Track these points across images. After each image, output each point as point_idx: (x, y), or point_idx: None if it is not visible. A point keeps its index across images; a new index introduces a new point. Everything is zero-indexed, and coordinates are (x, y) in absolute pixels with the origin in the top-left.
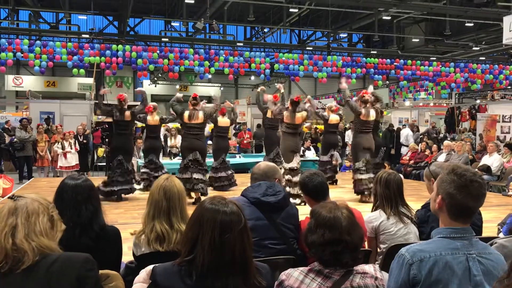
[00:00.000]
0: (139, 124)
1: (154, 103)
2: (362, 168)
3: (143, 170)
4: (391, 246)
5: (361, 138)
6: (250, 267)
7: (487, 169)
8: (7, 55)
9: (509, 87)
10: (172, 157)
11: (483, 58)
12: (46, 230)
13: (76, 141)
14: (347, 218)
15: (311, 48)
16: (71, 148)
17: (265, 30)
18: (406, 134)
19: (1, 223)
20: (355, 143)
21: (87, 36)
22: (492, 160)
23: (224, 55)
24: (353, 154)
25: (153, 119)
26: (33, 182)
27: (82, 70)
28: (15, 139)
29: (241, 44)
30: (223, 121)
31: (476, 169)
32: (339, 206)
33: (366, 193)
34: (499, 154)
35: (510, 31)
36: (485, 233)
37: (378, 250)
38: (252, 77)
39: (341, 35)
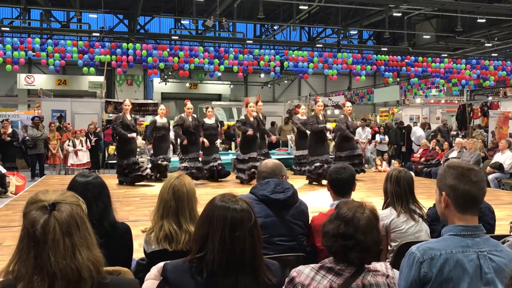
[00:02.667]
0: (145, 123)
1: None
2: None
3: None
4: (401, 244)
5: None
6: (260, 264)
7: (499, 166)
8: (19, 54)
9: None
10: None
11: (496, 55)
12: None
13: (87, 139)
14: (366, 218)
15: (321, 45)
16: (82, 146)
17: (275, 27)
18: (419, 135)
19: (59, 247)
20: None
21: (98, 34)
22: (505, 158)
23: (233, 53)
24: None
25: (160, 121)
26: (45, 180)
27: (92, 69)
28: (27, 137)
29: (251, 41)
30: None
31: (488, 167)
32: (364, 206)
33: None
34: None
35: None
36: (497, 231)
37: (389, 248)
38: (262, 75)
39: (351, 32)
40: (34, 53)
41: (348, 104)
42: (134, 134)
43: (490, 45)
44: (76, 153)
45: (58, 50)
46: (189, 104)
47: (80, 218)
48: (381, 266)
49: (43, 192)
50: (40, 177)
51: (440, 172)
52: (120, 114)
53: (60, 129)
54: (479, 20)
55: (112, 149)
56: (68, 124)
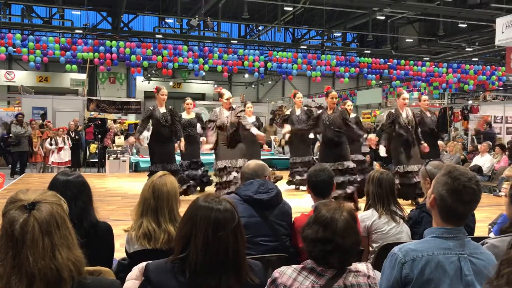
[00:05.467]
0: (128, 122)
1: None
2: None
3: None
4: (383, 245)
5: None
6: (243, 264)
7: (478, 169)
8: (0, 50)
9: (501, 88)
10: None
11: (476, 59)
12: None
13: (69, 137)
14: (344, 221)
15: (305, 47)
16: (65, 144)
17: (260, 28)
18: None
19: (38, 246)
20: None
21: (81, 31)
22: (484, 161)
23: (218, 53)
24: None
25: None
26: (25, 178)
27: (74, 66)
28: (6, 134)
29: (236, 41)
30: None
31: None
32: (342, 208)
33: None
34: (491, 155)
35: (502, 32)
36: (476, 233)
37: (370, 249)
38: (246, 75)
39: (335, 34)
40: (14, 49)
41: (299, 95)
42: (143, 135)
43: (470, 49)
44: (59, 150)
45: (40, 47)
46: (228, 94)
47: (60, 217)
48: (362, 266)
49: (23, 192)
50: (20, 175)
51: (441, 171)
52: (150, 107)
53: (42, 127)
54: (460, 25)
55: (93, 147)
56: (49, 122)
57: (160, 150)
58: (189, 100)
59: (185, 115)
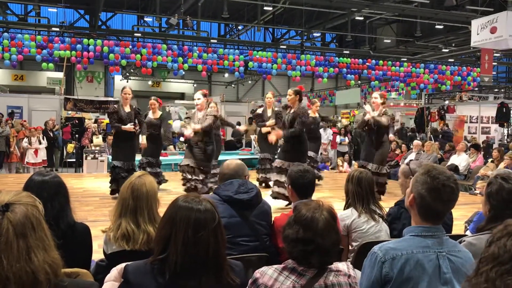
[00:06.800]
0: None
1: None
2: None
3: None
4: (362, 243)
5: None
6: (224, 265)
7: (455, 168)
8: None
9: (477, 88)
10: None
11: (452, 60)
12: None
13: (45, 136)
14: (324, 220)
15: (284, 47)
16: (40, 144)
17: (239, 27)
18: None
19: (12, 249)
20: None
21: (57, 29)
22: (460, 160)
23: (197, 52)
24: None
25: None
26: (0, 178)
27: (51, 64)
28: None
29: (215, 41)
30: None
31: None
32: (322, 207)
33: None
34: (467, 154)
35: (477, 34)
36: (453, 231)
37: (350, 247)
38: (226, 74)
39: (315, 34)
40: None
41: (269, 95)
42: (130, 126)
43: (447, 50)
44: (36, 151)
45: (15, 44)
46: (196, 95)
47: (36, 219)
48: (343, 266)
49: None
50: None
51: (420, 171)
52: (115, 105)
53: (12, 126)
54: (437, 26)
55: (70, 147)
56: (25, 121)
57: (122, 147)
58: (152, 101)
59: (150, 115)
